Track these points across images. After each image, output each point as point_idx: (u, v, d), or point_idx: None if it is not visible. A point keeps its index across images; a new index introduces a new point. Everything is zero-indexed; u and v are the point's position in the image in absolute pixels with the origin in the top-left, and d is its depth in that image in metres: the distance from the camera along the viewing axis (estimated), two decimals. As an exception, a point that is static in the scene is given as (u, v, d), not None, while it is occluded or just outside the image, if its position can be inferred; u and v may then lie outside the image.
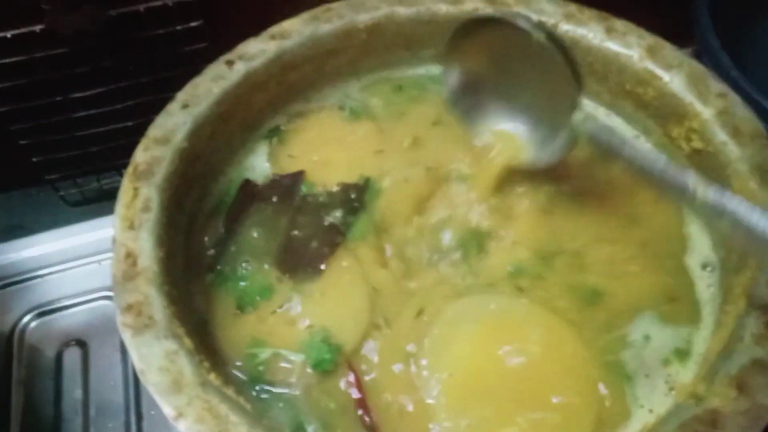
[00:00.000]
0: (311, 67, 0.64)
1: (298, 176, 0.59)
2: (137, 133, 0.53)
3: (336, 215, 0.57)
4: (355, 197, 0.57)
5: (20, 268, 0.74)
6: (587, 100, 0.63)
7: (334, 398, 0.48)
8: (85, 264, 0.74)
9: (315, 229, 0.56)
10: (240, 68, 0.60)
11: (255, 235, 0.56)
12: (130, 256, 0.49)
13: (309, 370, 0.49)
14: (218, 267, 0.55)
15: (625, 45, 0.60)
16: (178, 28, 0.73)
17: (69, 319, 0.72)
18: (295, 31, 0.62)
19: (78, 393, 0.67)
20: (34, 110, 0.76)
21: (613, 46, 0.61)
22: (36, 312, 0.72)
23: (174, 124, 0.56)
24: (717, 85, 0.57)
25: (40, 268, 0.74)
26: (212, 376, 0.44)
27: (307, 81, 0.65)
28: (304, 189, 0.58)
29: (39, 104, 0.75)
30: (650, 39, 0.60)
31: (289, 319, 0.52)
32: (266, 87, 0.62)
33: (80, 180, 0.86)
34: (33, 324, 0.72)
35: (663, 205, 0.56)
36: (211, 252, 0.55)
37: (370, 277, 0.53)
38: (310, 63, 0.63)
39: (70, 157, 0.81)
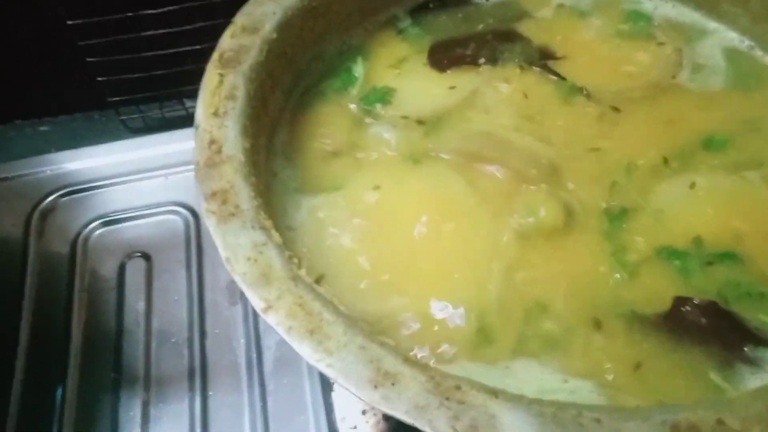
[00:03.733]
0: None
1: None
2: (204, 58, 0.49)
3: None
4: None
5: (87, 176, 0.72)
6: (718, 24, 0.57)
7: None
8: (153, 177, 0.71)
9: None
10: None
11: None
12: (215, 143, 0.45)
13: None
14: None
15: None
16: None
17: (134, 231, 0.69)
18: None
19: (141, 305, 0.64)
20: (104, 26, 0.73)
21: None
22: (101, 221, 0.69)
23: (263, 12, 0.52)
24: None
25: (108, 177, 0.72)
26: (303, 272, 0.40)
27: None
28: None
29: (109, 19, 0.72)
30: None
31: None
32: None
33: (143, 107, 0.84)
34: (97, 232, 0.69)
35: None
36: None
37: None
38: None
39: (134, 79, 0.78)
